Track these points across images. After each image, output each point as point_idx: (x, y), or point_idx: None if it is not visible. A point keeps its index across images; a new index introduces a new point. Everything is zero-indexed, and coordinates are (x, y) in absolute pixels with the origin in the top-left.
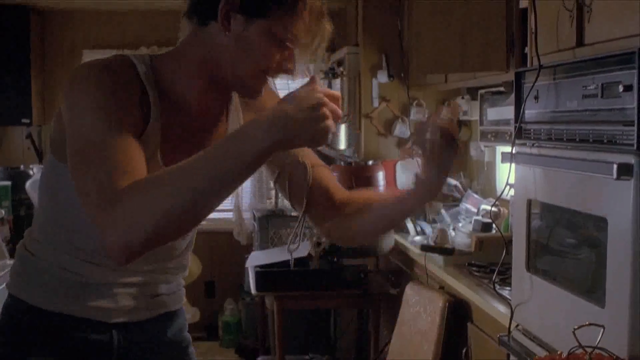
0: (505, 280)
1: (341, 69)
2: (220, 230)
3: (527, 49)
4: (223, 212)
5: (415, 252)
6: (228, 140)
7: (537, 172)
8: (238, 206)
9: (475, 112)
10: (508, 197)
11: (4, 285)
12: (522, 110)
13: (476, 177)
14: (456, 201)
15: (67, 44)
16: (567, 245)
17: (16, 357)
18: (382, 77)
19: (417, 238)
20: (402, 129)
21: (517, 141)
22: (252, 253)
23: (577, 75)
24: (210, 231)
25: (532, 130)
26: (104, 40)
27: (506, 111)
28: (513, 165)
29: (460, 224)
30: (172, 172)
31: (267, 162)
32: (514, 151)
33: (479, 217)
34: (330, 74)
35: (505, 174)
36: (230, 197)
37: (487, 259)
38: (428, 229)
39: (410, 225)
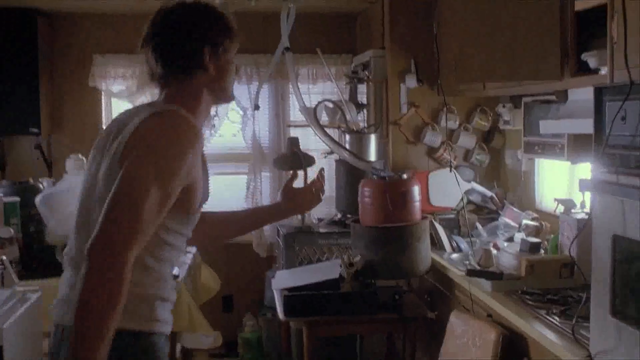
0: (566, 313)
1: (366, 72)
2: (238, 242)
3: (584, 56)
4: None
5: (456, 273)
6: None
7: (628, 205)
8: None
9: (519, 122)
10: (548, 209)
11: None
12: (607, 132)
13: (512, 188)
14: (492, 213)
15: (77, 49)
16: None
17: None
18: (411, 82)
19: (455, 256)
20: (432, 137)
21: (597, 167)
22: (278, 273)
23: None
24: (229, 243)
25: (617, 155)
26: (116, 44)
27: (564, 125)
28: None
29: (504, 243)
30: (101, 320)
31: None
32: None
33: (524, 236)
34: (355, 78)
35: (546, 185)
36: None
37: (539, 285)
38: (463, 244)
39: (444, 240)
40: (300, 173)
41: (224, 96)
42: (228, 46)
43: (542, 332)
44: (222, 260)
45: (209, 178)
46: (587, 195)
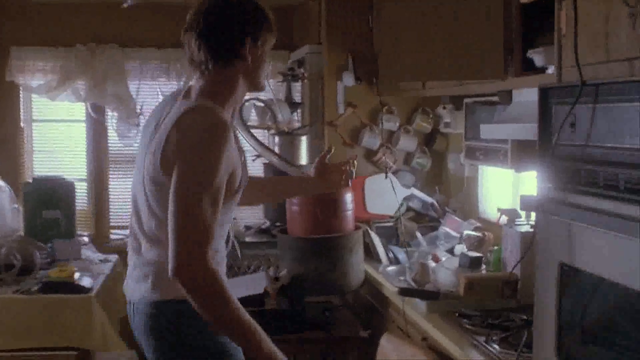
0: (508, 340)
1: (302, 70)
2: None
3: (530, 53)
4: None
5: (390, 290)
6: (262, 341)
7: (577, 229)
8: None
9: (460, 125)
10: (492, 218)
11: None
12: (554, 140)
13: (454, 194)
14: (433, 221)
15: None
16: (624, 336)
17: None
18: (348, 80)
19: (391, 269)
20: (370, 139)
21: (542, 181)
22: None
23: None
24: None
25: (566, 168)
26: (35, 36)
27: (507, 130)
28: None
29: (444, 256)
30: (232, 313)
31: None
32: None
33: (465, 248)
34: (290, 75)
35: (490, 193)
36: None
37: (479, 304)
38: (401, 255)
39: (380, 251)
40: None
41: (257, 86)
42: (266, 39)
43: None
44: None
45: (246, 162)
46: None
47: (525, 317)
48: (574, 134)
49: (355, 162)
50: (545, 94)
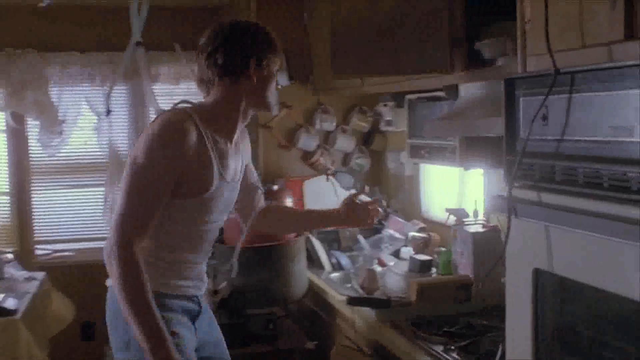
0: (467, 349)
1: None
2: (98, 262)
3: (477, 45)
4: (100, 242)
5: (337, 298)
6: (159, 332)
7: (554, 231)
8: None
9: (402, 122)
10: (436, 218)
11: None
12: (526, 135)
13: (395, 194)
14: (375, 224)
15: None
16: (607, 346)
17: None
18: (282, 79)
19: (335, 275)
20: (307, 140)
21: (510, 180)
22: None
23: (624, 86)
24: (87, 263)
25: (537, 165)
26: None
27: (454, 126)
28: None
29: (390, 260)
30: (137, 298)
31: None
32: (507, 195)
33: (411, 250)
34: None
35: (433, 191)
36: (108, 223)
37: (432, 311)
38: (344, 260)
39: (323, 257)
40: None
41: (263, 104)
42: (271, 60)
43: None
44: (79, 284)
45: (219, 172)
46: (481, 203)
47: (485, 322)
48: (546, 127)
49: (380, 202)
50: (511, 85)
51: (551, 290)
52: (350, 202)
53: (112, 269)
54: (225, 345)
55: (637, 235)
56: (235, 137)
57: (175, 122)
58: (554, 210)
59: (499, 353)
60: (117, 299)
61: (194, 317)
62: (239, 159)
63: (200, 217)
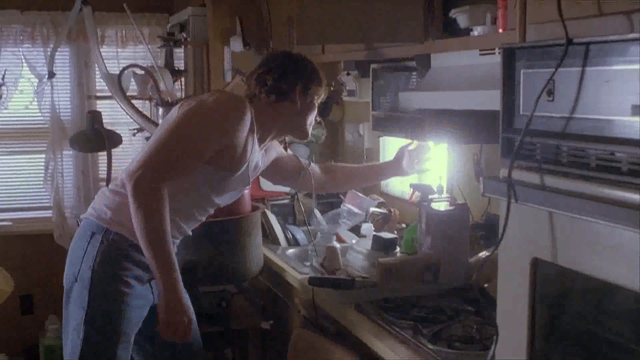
0: (440, 335)
1: (184, 34)
2: (37, 232)
3: (453, 13)
4: (40, 212)
5: (295, 277)
6: (171, 269)
7: (558, 219)
8: (59, 203)
9: (366, 93)
10: (396, 193)
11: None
12: (531, 112)
13: None
14: (332, 198)
15: None
16: (609, 342)
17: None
18: (236, 45)
19: (291, 251)
20: None
21: (506, 160)
22: None
23: None
24: (25, 234)
25: (539, 145)
26: None
27: (428, 98)
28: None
29: (352, 239)
30: (158, 236)
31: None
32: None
33: (372, 229)
34: (170, 41)
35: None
36: (49, 192)
37: (398, 292)
38: (300, 235)
39: (278, 232)
40: (119, 153)
41: (300, 129)
42: (315, 91)
43: None
44: (17, 256)
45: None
46: (444, 179)
47: (453, 305)
48: (551, 103)
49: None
50: (510, 55)
51: (551, 282)
52: (401, 152)
53: (136, 200)
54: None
55: None
56: (263, 144)
57: (241, 101)
58: (559, 195)
59: (491, 351)
60: (82, 232)
61: (151, 277)
62: (259, 158)
63: (213, 193)
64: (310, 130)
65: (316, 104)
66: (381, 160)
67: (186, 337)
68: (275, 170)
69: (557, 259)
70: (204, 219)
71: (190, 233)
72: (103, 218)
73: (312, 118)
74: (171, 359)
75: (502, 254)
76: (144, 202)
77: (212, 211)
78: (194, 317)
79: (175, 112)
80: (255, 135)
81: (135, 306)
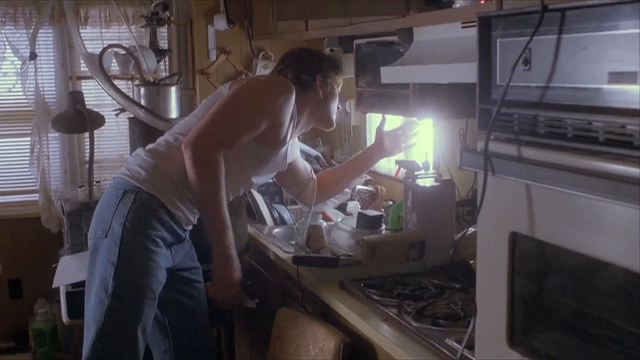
0: (423, 313)
1: (167, 13)
2: (24, 216)
3: None
4: (27, 195)
5: (280, 256)
6: (229, 242)
7: (537, 192)
8: (45, 186)
9: (349, 69)
10: (382, 171)
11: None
12: (507, 81)
13: (339, 145)
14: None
15: None
16: (595, 320)
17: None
18: (220, 23)
19: (277, 231)
20: None
21: (482, 132)
22: (63, 259)
23: (627, 26)
24: (12, 217)
25: (516, 116)
26: None
27: (411, 72)
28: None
29: (337, 216)
30: (216, 199)
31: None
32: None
33: (358, 207)
34: (154, 20)
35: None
36: (35, 175)
37: (383, 270)
38: (287, 214)
39: (265, 212)
40: (104, 134)
41: (326, 117)
42: (335, 80)
43: (397, 341)
44: (5, 240)
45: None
46: (431, 155)
47: (437, 281)
48: (528, 72)
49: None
50: (486, 24)
51: (530, 256)
52: (380, 134)
53: (195, 165)
54: (201, 275)
55: (636, 197)
56: (294, 134)
57: (290, 84)
58: (536, 166)
59: (470, 327)
60: (114, 190)
61: (173, 242)
62: (290, 148)
63: (253, 171)
64: (334, 118)
65: (337, 92)
66: (367, 137)
67: (235, 296)
68: (287, 171)
69: (535, 232)
70: (232, 198)
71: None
72: (137, 177)
73: (334, 106)
74: (180, 326)
75: (480, 229)
76: (203, 168)
77: (242, 192)
78: (201, 287)
79: (224, 91)
80: (295, 122)
81: (162, 266)
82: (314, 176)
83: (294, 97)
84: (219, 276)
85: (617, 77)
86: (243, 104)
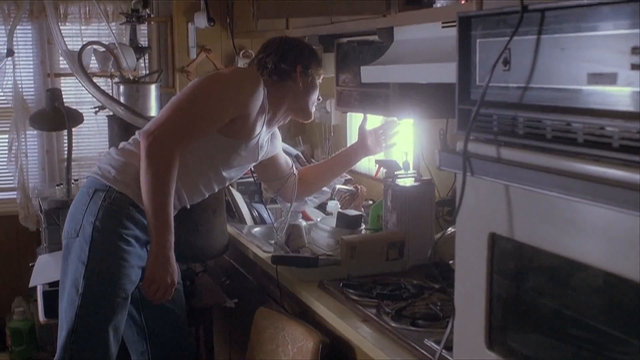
0: (402, 313)
1: (147, 11)
2: (1, 214)
3: None
4: (4, 193)
5: (259, 256)
6: (167, 242)
7: (515, 193)
8: (24, 185)
9: (330, 68)
10: (363, 170)
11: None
12: (487, 81)
13: (320, 144)
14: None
15: None
16: (574, 323)
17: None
18: (201, 21)
19: (257, 230)
20: None
21: (461, 132)
22: (40, 257)
23: (606, 27)
24: None
25: (495, 117)
26: None
27: (391, 72)
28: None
29: (317, 216)
30: (162, 196)
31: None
32: (460, 150)
33: (338, 206)
34: (134, 17)
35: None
36: (13, 172)
37: (362, 270)
38: (265, 213)
39: (244, 211)
40: (83, 132)
41: (304, 109)
42: (315, 71)
43: (376, 342)
44: None
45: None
46: (411, 155)
47: (416, 281)
48: (507, 73)
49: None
50: (466, 25)
51: (509, 257)
52: (362, 132)
53: (148, 157)
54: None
55: (615, 199)
56: (271, 127)
57: (257, 75)
58: (515, 167)
59: (448, 328)
60: (85, 189)
61: (148, 241)
62: (266, 141)
63: (222, 164)
64: (313, 110)
65: (317, 84)
66: (348, 137)
67: (165, 297)
68: (268, 164)
69: (514, 234)
70: (207, 195)
71: (188, 206)
72: (107, 176)
73: (314, 98)
74: (157, 326)
75: (459, 230)
76: (156, 161)
77: (217, 189)
78: (180, 287)
79: (191, 82)
80: (266, 114)
81: (134, 265)
82: (295, 171)
83: (261, 87)
84: (151, 275)
85: (597, 78)
86: (204, 95)
